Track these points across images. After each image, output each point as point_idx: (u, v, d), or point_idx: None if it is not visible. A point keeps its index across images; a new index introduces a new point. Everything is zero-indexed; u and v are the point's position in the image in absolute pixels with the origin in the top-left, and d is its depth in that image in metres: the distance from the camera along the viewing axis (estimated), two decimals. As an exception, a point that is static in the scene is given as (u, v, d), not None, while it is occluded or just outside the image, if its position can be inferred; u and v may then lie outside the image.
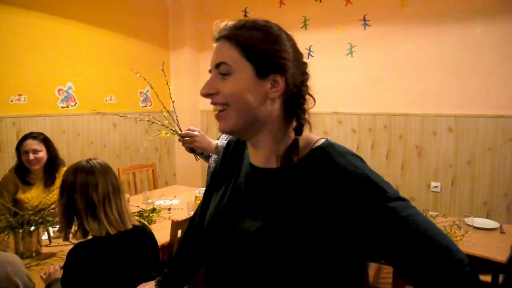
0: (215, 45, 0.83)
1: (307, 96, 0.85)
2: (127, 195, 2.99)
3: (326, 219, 0.74)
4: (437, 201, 3.65)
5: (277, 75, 0.79)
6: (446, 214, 2.72)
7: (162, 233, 2.20)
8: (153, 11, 4.61)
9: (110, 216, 1.51)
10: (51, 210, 2.17)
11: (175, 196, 3.11)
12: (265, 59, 0.78)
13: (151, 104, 4.62)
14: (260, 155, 0.86)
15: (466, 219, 2.46)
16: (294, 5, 4.23)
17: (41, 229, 2.05)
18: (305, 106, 0.85)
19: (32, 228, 1.98)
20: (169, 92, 2.05)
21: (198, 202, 2.69)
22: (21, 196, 2.52)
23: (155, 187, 3.83)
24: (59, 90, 3.70)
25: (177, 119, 1.98)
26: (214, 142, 1.97)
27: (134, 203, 2.86)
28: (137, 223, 1.63)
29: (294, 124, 0.83)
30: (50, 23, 3.57)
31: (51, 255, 2.02)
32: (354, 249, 0.76)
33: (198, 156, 2.10)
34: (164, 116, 2.02)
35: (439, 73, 3.53)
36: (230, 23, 0.82)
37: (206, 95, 0.82)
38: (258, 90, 0.79)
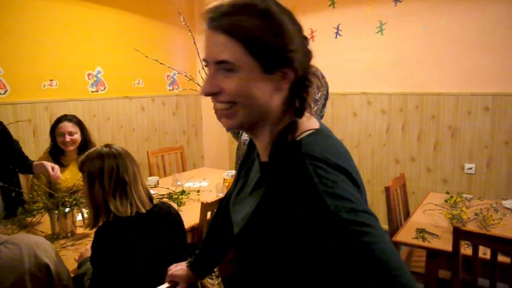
0: (208, 32, 0.74)
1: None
2: (156, 178, 3.04)
3: (283, 222, 0.72)
4: (472, 183, 3.54)
5: (285, 67, 0.74)
6: (481, 197, 2.62)
7: (191, 215, 2.22)
8: (179, -7, 4.58)
9: (141, 195, 1.54)
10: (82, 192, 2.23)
11: (204, 178, 3.13)
12: (272, 55, 0.72)
13: (178, 87, 4.63)
14: (260, 148, 0.84)
15: (504, 202, 2.36)
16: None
17: (75, 211, 2.11)
18: (310, 88, 0.78)
19: (67, 209, 2.04)
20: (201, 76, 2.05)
21: (227, 184, 2.72)
22: (56, 177, 2.60)
23: (183, 170, 3.87)
24: (88, 75, 3.76)
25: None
26: None
27: (164, 185, 2.90)
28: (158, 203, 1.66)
29: (295, 106, 0.78)
30: (78, 8, 3.61)
31: (85, 235, 2.08)
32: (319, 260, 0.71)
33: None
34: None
35: (475, 50, 3.37)
36: (225, 5, 0.72)
37: (208, 94, 0.75)
38: (266, 85, 0.74)
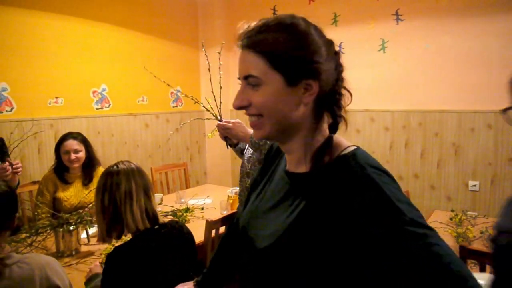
0: (240, 51, 0.80)
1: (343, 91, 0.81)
2: (160, 195, 3.04)
3: (338, 235, 0.70)
4: (476, 200, 3.52)
5: (310, 80, 0.75)
6: (486, 215, 2.61)
7: (196, 233, 2.18)
8: (183, 12, 4.65)
9: (134, 215, 1.53)
10: (86, 209, 2.23)
11: (208, 196, 3.13)
12: (294, 67, 0.74)
13: (182, 104, 4.67)
14: (292, 159, 0.84)
15: (509, 220, 2.35)
16: (323, 1, 4.17)
17: (80, 228, 2.11)
18: (342, 101, 0.81)
19: (72, 227, 2.04)
20: (214, 95, 2.10)
21: (231, 201, 2.72)
22: (60, 194, 2.60)
23: (187, 187, 3.87)
24: (93, 92, 3.80)
25: (220, 105, 2.11)
26: (250, 132, 2.01)
27: (168, 203, 2.90)
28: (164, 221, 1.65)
29: (328, 121, 0.80)
30: (84, 27, 3.67)
31: (90, 253, 2.07)
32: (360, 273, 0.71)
33: (228, 145, 2.19)
34: (209, 102, 2.13)
35: (477, 68, 3.40)
36: (252, 26, 0.78)
37: (238, 107, 0.80)
38: (290, 98, 0.76)
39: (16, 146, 2.63)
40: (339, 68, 0.80)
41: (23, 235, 2.13)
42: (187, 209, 2.71)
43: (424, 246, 0.64)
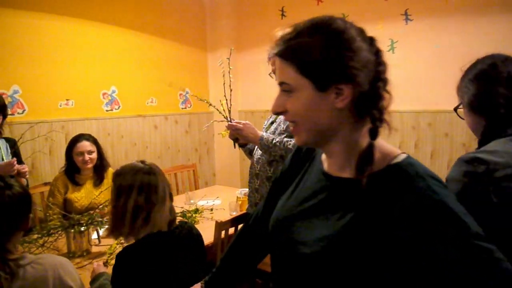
0: (276, 58, 0.80)
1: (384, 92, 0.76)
2: (170, 196, 3.06)
3: (393, 244, 0.68)
4: (487, 201, 3.48)
5: (341, 84, 0.73)
6: (498, 216, 2.58)
7: (205, 234, 2.20)
8: (191, 13, 4.68)
9: (163, 216, 1.55)
10: (97, 210, 2.25)
11: (217, 197, 3.14)
12: (323, 72, 0.73)
13: (191, 105, 4.69)
14: (334, 163, 0.82)
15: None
16: (332, 2, 4.16)
17: (91, 229, 2.13)
18: (382, 104, 0.75)
19: (83, 228, 2.06)
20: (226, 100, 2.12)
21: (240, 202, 2.72)
22: (71, 196, 2.63)
23: (195, 188, 3.89)
24: (103, 94, 3.84)
25: (230, 107, 2.11)
26: (260, 134, 2.03)
27: (177, 204, 2.90)
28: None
29: (368, 126, 0.75)
30: (94, 29, 3.70)
31: (101, 254, 2.09)
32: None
33: (237, 145, 2.23)
34: (222, 104, 2.13)
35: (488, 68, 3.36)
36: (285, 33, 0.77)
37: (275, 113, 0.82)
38: (321, 103, 0.75)
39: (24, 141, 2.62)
40: (380, 67, 0.76)
41: (35, 236, 2.16)
42: (196, 210, 2.72)
43: (491, 260, 0.63)
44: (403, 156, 0.76)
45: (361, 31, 0.77)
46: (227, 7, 4.79)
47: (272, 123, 2.20)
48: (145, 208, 1.50)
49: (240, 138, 2.08)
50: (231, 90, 2.12)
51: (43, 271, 1.23)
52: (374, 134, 0.75)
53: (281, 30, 0.79)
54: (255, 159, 2.16)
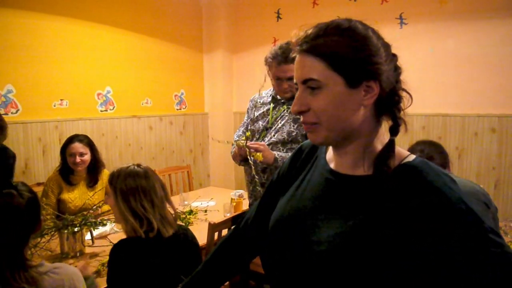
0: (297, 58, 0.78)
1: (402, 93, 0.80)
2: (164, 197, 3.05)
3: (410, 239, 0.68)
4: (479, 204, 3.51)
5: (371, 81, 0.74)
6: (490, 219, 2.60)
7: (199, 236, 2.20)
8: (187, 15, 4.68)
9: (167, 218, 1.57)
10: (91, 211, 2.25)
11: (211, 198, 3.14)
12: (355, 68, 0.74)
13: (186, 106, 4.69)
14: (345, 161, 0.81)
15: (513, 225, 2.35)
16: (327, 5, 4.18)
17: (84, 230, 2.12)
18: (401, 103, 0.79)
19: (76, 229, 2.05)
20: None
21: (234, 204, 2.72)
22: (65, 196, 2.62)
23: (190, 189, 3.88)
24: (98, 94, 3.82)
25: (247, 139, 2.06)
26: (274, 155, 2.01)
27: (171, 205, 2.91)
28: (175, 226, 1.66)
29: (388, 124, 0.78)
30: (89, 30, 3.70)
31: (94, 255, 2.08)
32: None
33: (241, 162, 2.17)
34: (244, 139, 2.07)
35: (481, 72, 3.40)
36: (310, 32, 0.77)
37: (298, 112, 0.78)
38: (351, 100, 0.75)
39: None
40: (398, 70, 0.80)
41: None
42: (190, 212, 2.72)
43: (503, 254, 0.65)
44: (414, 156, 0.78)
45: (379, 35, 0.79)
46: (223, 8, 4.79)
47: (265, 129, 2.18)
48: (146, 209, 1.54)
49: (255, 157, 1.98)
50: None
51: (60, 280, 1.23)
52: (395, 131, 0.77)
53: (303, 29, 0.78)
54: (260, 169, 2.13)
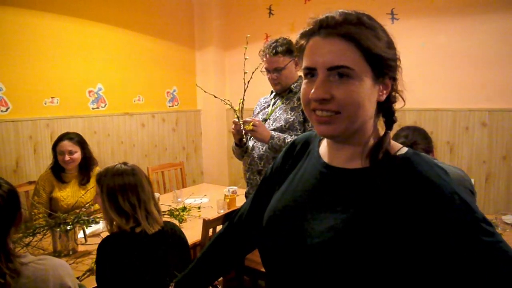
0: (321, 40, 0.75)
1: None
2: (157, 194, 3.05)
3: (403, 231, 0.69)
4: (471, 198, 3.54)
5: (387, 78, 0.77)
6: (481, 212, 2.63)
7: (193, 232, 2.22)
8: (179, 11, 4.65)
9: (153, 215, 1.58)
10: (83, 209, 2.24)
11: (205, 195, 3.14)
12: (384, 63, 0.75)
13: (178, 103, 4.67)
14: (341, 155, 0.81)
15: (503, 217, 2.38)
16: (319, 1, 4.18)
17: (77, 228, 2.11)
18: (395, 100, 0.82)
19: (69, 227, 2.04)
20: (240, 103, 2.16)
21: (227, 200, 2.72)
22: (57, 194, 2.60)
23: (183, 186, 3.88)
24: (89, 92, 3.79)
25: (243, 106, 2.13)
26: (271, 133, 2.05)
27: (165, 202, 2.90)
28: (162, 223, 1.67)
29: (382, 119, 0.82)
30: (80, 26, 3.66)
31: (87, 253, 2.07)
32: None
33: (236, 145, 2.25)
34: (240, 103, 2.16)
35: (472, 66, 3.42)
36: (342, 16, 0.76)
37: (320, 100, 0.73)
38: (373, 94, 0.76)
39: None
40: (398, 67, 0.82)
41: (20, 235, 2.13)
42: (184, 208, 2.71)
43: (495, 243, 0.67)
44: (406, 148, 0.79)
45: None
46: (215, 5, 4.77)
47: (263, 119, 2.22)
48: (133, 206, 1.55)
49: (252, 135, 2.07)
50: (245, 90, 2.14)
51: (44, 270, 1.23)
52: (390, 125, 0.80)
53: (329, 11, 0.80)
54: (256, 156, 2.15)
